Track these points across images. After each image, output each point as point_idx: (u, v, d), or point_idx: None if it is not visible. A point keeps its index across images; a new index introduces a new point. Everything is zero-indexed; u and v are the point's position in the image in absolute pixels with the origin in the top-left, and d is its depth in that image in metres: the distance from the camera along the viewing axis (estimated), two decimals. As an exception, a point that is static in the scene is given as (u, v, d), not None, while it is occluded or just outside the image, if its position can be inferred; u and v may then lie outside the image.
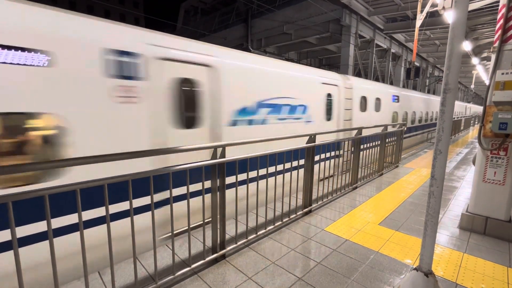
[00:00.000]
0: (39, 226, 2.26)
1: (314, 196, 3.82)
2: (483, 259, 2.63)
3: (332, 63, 24.06)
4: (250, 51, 4.87)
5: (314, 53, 20.93)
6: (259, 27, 16.70)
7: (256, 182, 2.77)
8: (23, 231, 2.19)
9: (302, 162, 3.52)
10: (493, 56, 2.92)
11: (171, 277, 2.14)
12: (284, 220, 3.25)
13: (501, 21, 2.84)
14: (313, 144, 3.42)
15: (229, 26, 19.04)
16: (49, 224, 1.49)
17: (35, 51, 2.19)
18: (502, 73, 2.79)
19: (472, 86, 29.06)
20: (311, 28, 14.23)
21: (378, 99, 8.30)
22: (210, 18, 22.70)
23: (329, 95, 5.94)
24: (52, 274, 1.52)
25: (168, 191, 2.10)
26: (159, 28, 3.23)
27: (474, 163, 3.34)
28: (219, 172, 2.40)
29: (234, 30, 18.47)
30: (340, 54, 14.64)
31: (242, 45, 17.29)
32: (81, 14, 2.54)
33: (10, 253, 1.99)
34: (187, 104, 3.32)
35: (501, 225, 3.02)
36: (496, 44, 2.88)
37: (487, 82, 3.06)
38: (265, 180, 2.96)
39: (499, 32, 2.85)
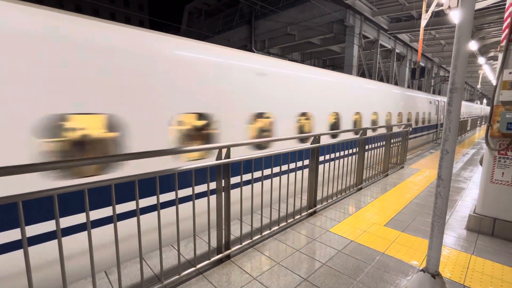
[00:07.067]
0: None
1: (318, 197, 3.81)
2: (491, 261, 2.59)
3: (336, 64, 24.01)
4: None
5: (317, 54, 20.93)
6: (263, 28, 16.75)
7: (260, 183, 2.77)
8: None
9: (306, 162, 3.52)
10: (500, 55, 2.89)
11: (177, 277, 2.15)
12: (289, 221, 3.24)
13: (509, 20, 2.81)
14: (318, 144, 3.42)
15: (233, 27, 19.14)
16: (57, 224, 1.51)
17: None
18: (510, 72, 2.75)
19: (479, 86, 28.74)
20: (314, 29, 14.23)
21: None
22: (214, 20, 22.84)
23: None
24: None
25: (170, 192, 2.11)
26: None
27: (481, 164, 3.30)
28: (224, 172, 2.41)
29: (238, 31, 18.56)
30: (344, 55, 14.61)
31: (245, 47, 17.36)
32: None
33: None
34: None
35: (510, 227, 2.97)
36: (504, 43, 2.84)
37: (494, 81, 3.02)
38: (269, 180, 2.96)
39: (507, 30, 2.82)
